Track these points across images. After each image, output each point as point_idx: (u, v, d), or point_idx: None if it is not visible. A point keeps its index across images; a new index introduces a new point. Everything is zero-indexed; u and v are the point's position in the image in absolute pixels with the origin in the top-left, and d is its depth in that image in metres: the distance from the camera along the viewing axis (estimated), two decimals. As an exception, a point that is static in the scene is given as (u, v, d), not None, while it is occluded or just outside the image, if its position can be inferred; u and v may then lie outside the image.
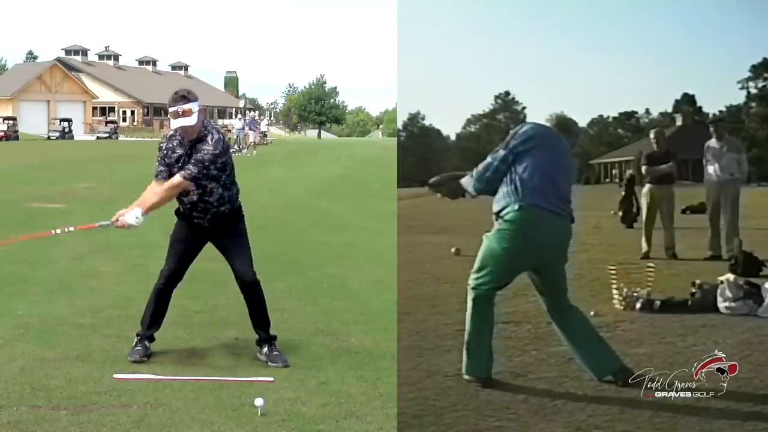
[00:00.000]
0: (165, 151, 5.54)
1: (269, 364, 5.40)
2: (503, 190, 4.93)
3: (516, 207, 4.82)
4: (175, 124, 5.40)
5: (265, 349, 5.51)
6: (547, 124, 5.15)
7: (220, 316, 6.60)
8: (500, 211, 4.90)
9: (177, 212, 5.69)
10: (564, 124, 5.18)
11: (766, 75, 67.80)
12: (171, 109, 5.38)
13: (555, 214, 4.88)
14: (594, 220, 17.84)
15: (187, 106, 5.35)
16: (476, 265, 4.96)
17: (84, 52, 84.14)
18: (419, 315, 6.79)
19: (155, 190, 5.53)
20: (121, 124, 75.63)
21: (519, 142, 4.95)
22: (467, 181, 5.17)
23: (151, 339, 5.62)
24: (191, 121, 5.35)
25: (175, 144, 5.52)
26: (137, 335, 5.61)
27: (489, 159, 5.03)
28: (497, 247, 4.87)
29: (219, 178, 5.46)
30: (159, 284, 5.66)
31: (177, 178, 5.42)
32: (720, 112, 68.35)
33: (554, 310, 5.08)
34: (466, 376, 4.92)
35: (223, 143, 5.48)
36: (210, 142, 5.41)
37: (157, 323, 5.65)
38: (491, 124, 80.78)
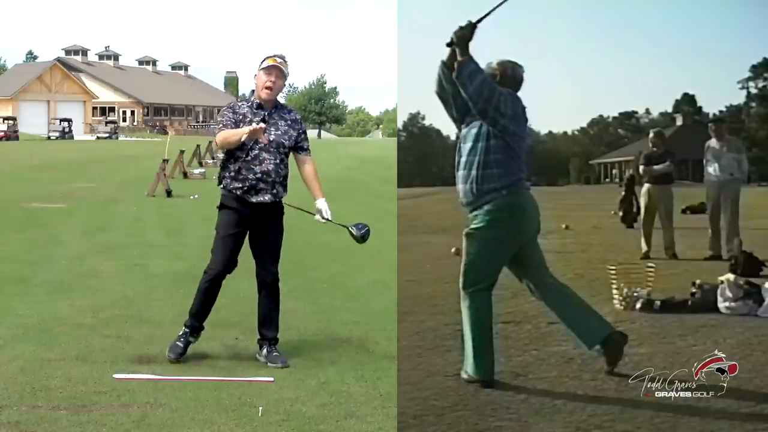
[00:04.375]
0: (239, 116, 5.43)
1: (268, 364, 5.39)
2: (475, 174, 4.85)
3: (504, 192, 4.82)
4: (270, 76, 5.37)
5: (265, 350, 5.50)
6: (495, 71, 5.00)
7: (221, 316, 6.59)
8: (480, 200, 4.86)
9: (225, 201, 5.48)
10: (519, 74, 5.08)
11: (766, 75, 67.82)
12: (278, 61, 5.39)
13: (529, 191, 4.98)
14: (594, 220, 17.86)
15: (286, 64, 5.43)
16: (468, 266, 4.91)
17: (84, 52, 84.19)
18: (419, 315, 6.79)
19: (313, 178, 5.59)
20: (121, 124, 75.64)
21: (513, 118, 4.85)
22: (466, 65, 4.75)
23: (199, 330, 5.55)
24: (282, 82, 5.43)
25: (245, 111, 5.46)
26: (185, 325, 5.52)
27: (496, 91, 4.79)
28: (489, 238, 4.86)
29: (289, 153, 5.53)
30: (206, 281, 5.48)
31: (311, 160, 5.59)
32: (720, 112, 68.40)
33: (540, 285, 5.05)
34: (464, 376, 4.91)
35: None
36: (296, 114, 5.58)
37: (206, 315, 5.57)
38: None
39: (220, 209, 5.52)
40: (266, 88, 5.41)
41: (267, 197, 5.42)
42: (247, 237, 5.53)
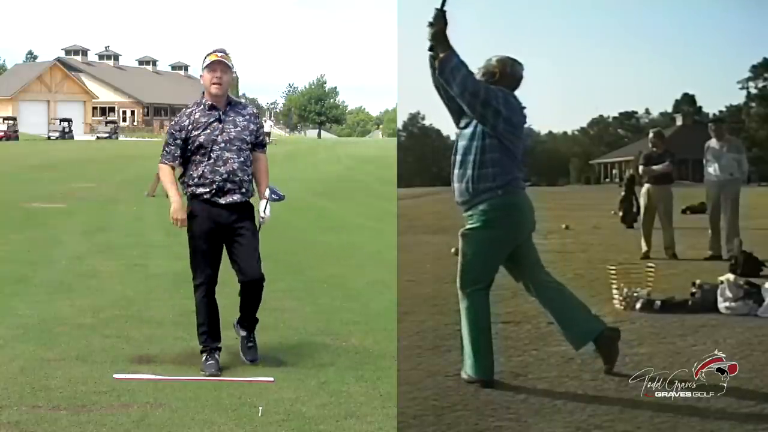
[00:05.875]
0: (189, 126, 5.28)
1: (241, 356, 5.40)
2: (471, 173, 4.83)
3: (499, 192, 4.80)
4: (215, 72, 5.25)
5: (243, 333, 5.44)
6: (495, 69, 4.96)
7: (221, 316, 6.59)
8: (475, 199, 4.84)
9: (194, 208, 5.33)
10: (518, 72, 5.03)
11: (766, 75, 67.84)
12: (219, 55, 5.27)
13: (524, 190, 4.96)
14: (594, 220, 17.87)
15: (229, 57, 5.34)
16: (465, 267, 4.90)
17: (84, 52, 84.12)
18: (419, 315, 6.79)
19: (263, 175, 5.46)
20: (121, 124, 75.63)
21: (506, 116, 4.82)
22: (448, 60, 4.72)
23: (219, 350, 5.36)
24: (230, 76, 5.33)
25: (197, 115, 5.32)
26: (202, 352, 5.33)
27: (482, 86, 4.79)
28: (485, 238, 4.86)
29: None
30: (200, 298, 5.36)
31: (265, 158, 5.49)
32: (720, 112, 68.38)
33: (536, 283, 5.04)
34: (464, 376, 4.91)
35: None
36: (252, 108, 5.53)
37: (217, 334, 5.39)
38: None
39: (190, 218, 5.35)
40: (214, 84, 5.28)
41: (236, 197, 5.30)
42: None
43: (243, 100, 5.64)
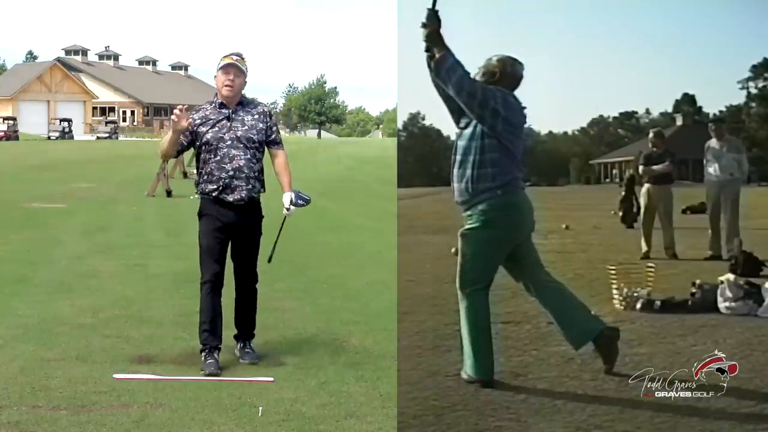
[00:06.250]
0: (198, 121, 5.39)
1: (240, 360, 5.42)
2: (471, 173, 4.82)
3: (499, 192, 4.80)
4: (228, 75, 5.36)
5: (239, 346, 5.52)
6: (495, 68, 4.94)
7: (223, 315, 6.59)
8: (474, 199, 4.84)
9: (203, 207, 5.43)
10: (518, 71, 5.01)
11: (766, 75, 67.83)
12: (234, 59, 5.39)
13: (524, 190, 4.96)
14: (594, 220, 17.87)
15: (244, 61, 5.42)
16: (464, 267, 4.90)
17: (84, 52, 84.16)
18: (419, 315, 6.79)
19: (283, 170, 5.53)
20: (121, 124, 75.64)
21: (505, 116, 4.81)
22: (444, 61, 4.70)
23: (219, 349, 5.36)
24: (242, 80, 5.42)
25: (208, 112, 5.45)
26: (201, 351, 5.31)
27: (478, 86, 4.77)
28: (485, 238, 4.85)
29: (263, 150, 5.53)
30: (204, 294, 5.37)
31: (283, 153, 5.56)
32: (720, 112, 68.37)
33: (536, 283, 5.03)
34: (464, 376, 4.91)
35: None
36: (264, 107, 5.60)
37: (219, 334, 5.37)
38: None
39: (200, 217, 5.46)
40: (226, 86, 5.39)
41: (244, 194, 5.35)
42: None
43: (256, 100, 5.69)
